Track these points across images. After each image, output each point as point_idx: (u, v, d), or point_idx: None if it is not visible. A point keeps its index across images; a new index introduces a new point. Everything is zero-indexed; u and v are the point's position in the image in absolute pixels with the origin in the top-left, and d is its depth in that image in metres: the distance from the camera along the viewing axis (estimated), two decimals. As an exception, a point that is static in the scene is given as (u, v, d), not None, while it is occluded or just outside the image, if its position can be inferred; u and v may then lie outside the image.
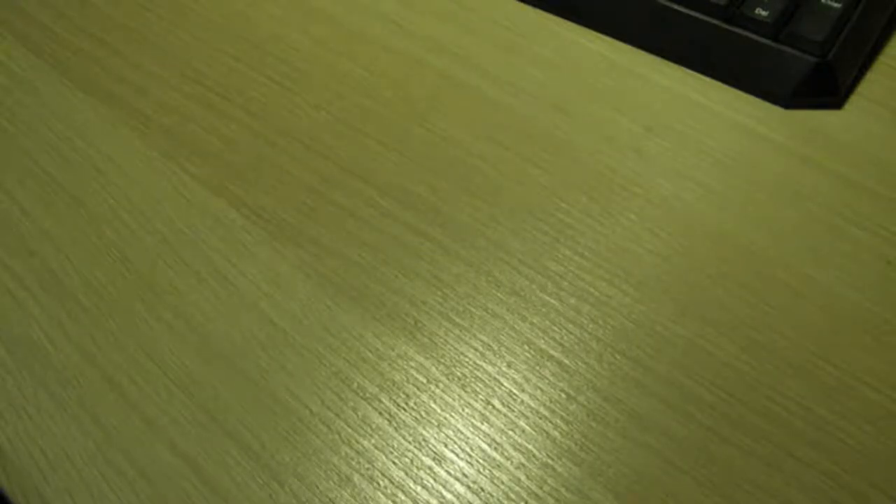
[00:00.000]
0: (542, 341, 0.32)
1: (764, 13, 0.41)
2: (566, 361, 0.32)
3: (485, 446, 0.30)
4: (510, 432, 0.30)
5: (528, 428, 0.30)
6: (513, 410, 0.31)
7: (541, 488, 0.29)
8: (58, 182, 0.39)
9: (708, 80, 0.42)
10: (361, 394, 0.31)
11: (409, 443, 0.30)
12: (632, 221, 0.36)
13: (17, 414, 0.31)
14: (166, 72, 0.43)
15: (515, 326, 0.33)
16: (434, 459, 0.30)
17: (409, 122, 0.40)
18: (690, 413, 0.30)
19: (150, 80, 0.43)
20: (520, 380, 0.31)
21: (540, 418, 0.31)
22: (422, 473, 0.29)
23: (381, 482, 0.29)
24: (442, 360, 0.32)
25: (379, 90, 0.42)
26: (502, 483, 0.29)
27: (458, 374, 0.32)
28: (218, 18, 0.46)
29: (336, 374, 0.32)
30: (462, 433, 0.30)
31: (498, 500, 0.29)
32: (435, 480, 0.29)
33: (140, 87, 0.43)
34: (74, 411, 0.31)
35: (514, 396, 0.31)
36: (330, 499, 0.29)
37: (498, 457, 0.30)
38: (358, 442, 0.30)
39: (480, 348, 0.32)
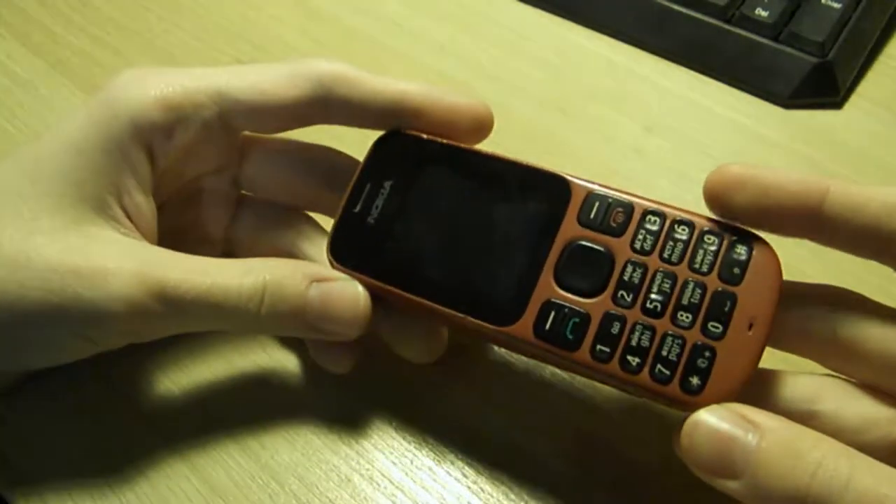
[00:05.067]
0: (542, 341, 0.32)
1: (764, 13, 0.41)
2: (566, 361, 0.32)
3: (486, 444, 0.30)
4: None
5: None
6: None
7: (541, 488, 0.29)
8: (58, 182, 0.39)
9: (708, 80, 0.42)
10: (362, 393, 0.31)
11: (409, 443, 0.30)
12: (632, 221, 0.36)
13: (16, 412, 0.31)
14: (166, 72, 0.43)
15: (515, 326, 0.33)
16: (434, 459, 0.30)
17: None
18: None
19: (150, 80, 0.43)
20: (525, 372, 0.31)
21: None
22: (422, 474, 0.29)
23: (380, 482, 0.29)
24: (444, 361, 0.32)
25: (379, 90, 0.42)
26: (502, 483, 0.29)
27: (462, 369, 0.32)
28: (218, 18, 0.46)
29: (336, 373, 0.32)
30: (462, 432, 0.30)
31: (497, 500, 0.29)
32: (435, 481, 0.29)
33: (140, 87, 0.43)
34: (74, 411, 0.31)
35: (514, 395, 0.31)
36: (330, 499, 0.29)
37: (499, 455, 0.30)
38: (358, 442, 0.30)
39: (481, 348, 0.32)
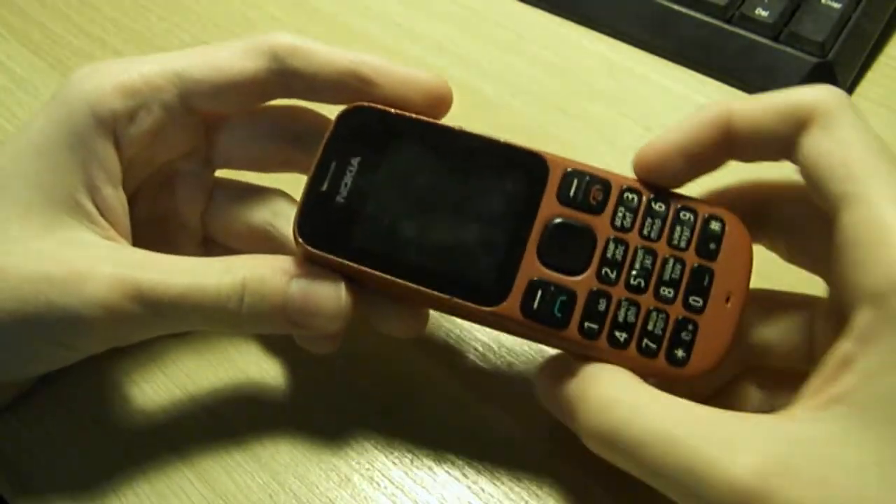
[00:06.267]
0: (542, 341, 0.32)
1: (764, 13, 0.41)
2: (566, 361, 0.32)
3: (486, 444, 0.30)
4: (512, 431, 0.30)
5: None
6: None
7: (541, 488, 0.29)
8: (58, 182, 0.39)
9: (708, 80, 0.42)
10: (362, 393, 0.31)
11: (409, 442, 0.30)
12: (632, 221, 0.36)
13: (18, 414, 0.31)
14: (166, 72, 0.43)
15: (515, 326, 0.33)
16: (434, 459, 0.30)
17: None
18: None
19: (150, 80, 0.43)
20: (524, 373, 0.31)
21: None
22: (421, 473, 0.29)
23: (381, 482, 0.29)
24: (443, 361, 0.32)
25: (379, 90, 0.42)
26: (502, 483, 0.29)
27: (461, 369, 0.32)
28: (218, 19, 0.46)
29: (337, 373, 0.32)
30: (462, 431, 0.30)
31: (498, 500, 0.29)
32: (434, 480, 0.29)
33: (140, 87, 0.43)
34: (75, 411, 0.31)
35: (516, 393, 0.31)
36: (330, 499, 0.29)
37: (499, 455, 0.30)
38: (358, 442, 0.30)
39: (480, 348, 0.32)
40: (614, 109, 0.41)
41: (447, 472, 0.29)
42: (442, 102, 0.29)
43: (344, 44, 0.44)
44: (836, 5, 0.41)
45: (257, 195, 0.31)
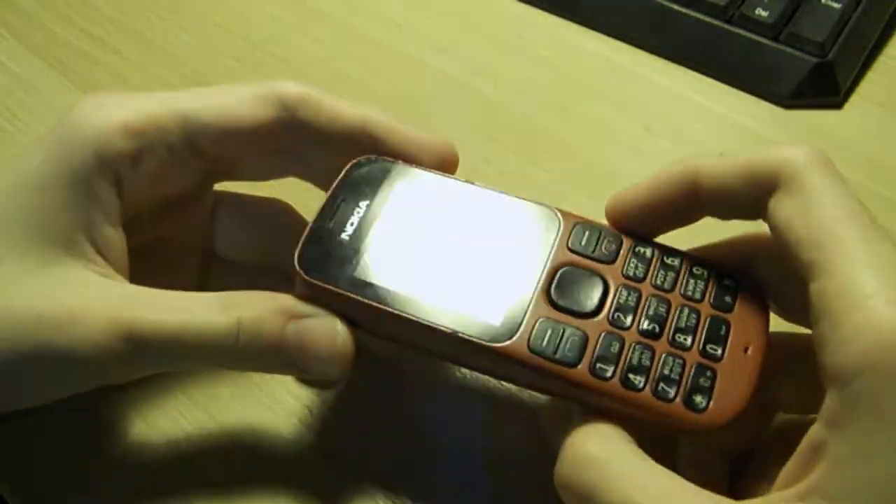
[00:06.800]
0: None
1: (764, 13, 0.41)
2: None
3: (486, 445, 0.30)
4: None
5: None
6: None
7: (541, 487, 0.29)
8: (58, 182, 0.39)
9: (708, 80, 0.42)
10: (361, 394, 0.31)
11: (410, 442, 0.30)
12: (632, 221, 0.36)
13: (18, 414, 0.31)
14: (166, 72, 0.43)
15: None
16: (435, 465, 0.30)
17: (409, 122, 0.40)
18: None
19: (151, 80, 0.43)
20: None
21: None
22: (423, 476, 0.29)
23: (381, 482, 0.29)
24: (453, 369, 0.32)
25: (379, 91, 0.42)
26: (503, 483, 0.29)
27: (460, 374, 0.32)
28: (218, 18, 0.46)
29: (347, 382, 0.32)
30: (463, 431, 0.30)
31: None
32: (436, 486, 0.29)
33: (140, 87, 0.43)
34: (75, 411, 0.31)
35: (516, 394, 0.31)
36: (330, 499, 0.29)
37: (499, 455, 0.30)
38: (358, 442, 0.30)
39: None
40: (614, 109, 0.41)
41: (448, 475, 0.29)
42: (449, 166, 0.29)
43: (344, 44, 0.45)
44: (836, 5, 0.41)
45: (259, 207, 0.31)
